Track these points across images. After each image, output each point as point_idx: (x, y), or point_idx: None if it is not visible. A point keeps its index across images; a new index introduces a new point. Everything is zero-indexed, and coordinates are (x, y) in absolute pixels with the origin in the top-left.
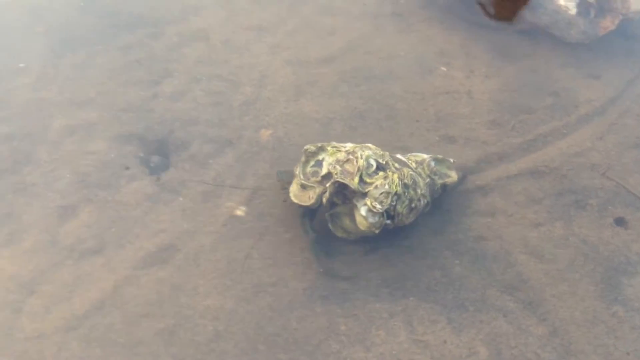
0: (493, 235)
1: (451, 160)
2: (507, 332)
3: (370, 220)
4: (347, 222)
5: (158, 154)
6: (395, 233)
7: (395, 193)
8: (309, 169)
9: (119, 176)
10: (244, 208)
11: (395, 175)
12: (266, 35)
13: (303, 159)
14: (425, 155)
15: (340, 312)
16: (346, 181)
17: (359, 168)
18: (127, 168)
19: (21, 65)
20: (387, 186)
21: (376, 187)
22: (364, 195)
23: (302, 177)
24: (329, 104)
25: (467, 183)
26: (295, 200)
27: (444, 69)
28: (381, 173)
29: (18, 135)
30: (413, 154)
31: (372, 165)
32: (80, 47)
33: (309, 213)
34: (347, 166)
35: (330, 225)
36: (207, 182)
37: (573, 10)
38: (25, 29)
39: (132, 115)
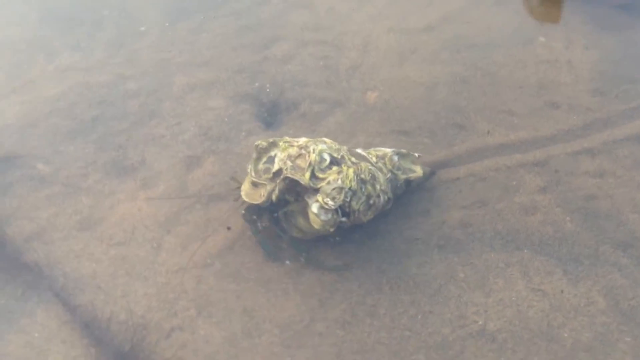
0: (603, 194)
1: (416, 154)
2: (624, 284)
3: (323, 217)
4: (301, 220)
5: (271, 112)
6: (506, 189)
7: (350, 189)
8: (260, 166)
9: (238, 130)
10: None
11: (351, 170)
12: (367, 4)
13: (255, 155)
14: (388, 150)
15: (457, 260)
16: (296, 177)
17: (310, 163)
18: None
19: (142, 28)
20: (340, 181)
21: (329, 182)
22: (316, 191)
23: (253, 174)
24: (432, 69)
25: (575, 145)
26: (246, 199)
27: (542, 39)
28: (335, 168)
29: (145, 91)
30: (375, 148)
31: (326, 160)
32: (193, 14)
33: (260, 211)
34: (299, 161)
35: (284, 224)
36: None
37: None
38: None
39: (245, 76)
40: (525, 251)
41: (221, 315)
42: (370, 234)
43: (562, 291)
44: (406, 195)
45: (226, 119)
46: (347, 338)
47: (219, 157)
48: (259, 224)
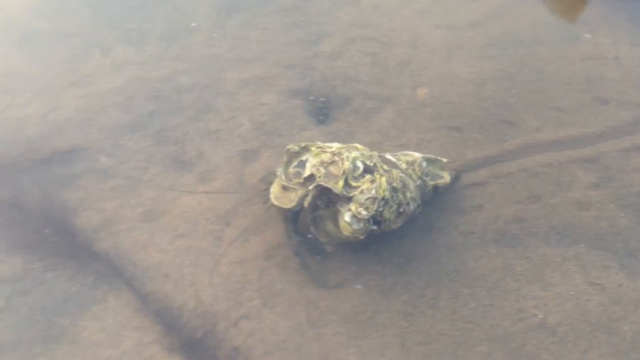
0: None
1: (444, 160)
2: None
3: (355, 226)
4: (330, 226)
5: (323, 108)
6: (559, 184)
7: (383, 198)
8: (291, 170)
9: (291, 125)
10: None
11: (384, 179)
12: (413, 1)
13: (285, 158)
14: (417, 155)
15: (514, 255)
16: (330, 185)
17: (344, 171)
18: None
19: (193, 24)
20: (373, 191)
21: (362, 191)
22: (349, 200)
23: (283, 178)
24: (480, 66)
25: (625, 142)
26: (275, 203)
27: (588, 35)
28: (368, 176)
29: (198, 86)
30: (404, 152)
31: (359, 168)
32: (242, 10)
33: (292, 215)
34: (332, 168)
35: (312, 229)
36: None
37: None
38: None
39: (296, 71)
40: (582, 246)
41: (286, 306)
42: (425, 228)
43: (620, 285)
44: (459, 190)
45: (279, 114)
46: (410, 329)
47: (275, 151)
48: (291, 230)
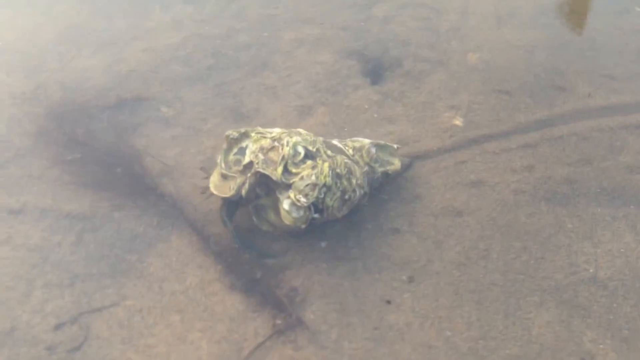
0: None
1: (394, 146)
2: None
3: (294, 214)
4: (272, 215)
5: (376, 69)
6: (610, 149)
7: (324, 185)
8: (231, 157)
9: (345, 85)
10: (461, 119)
11: (326, 165)
12: None
13: (225, 145)
14: (366, 141)
15: (565, 213)
16: (267, 172)
17: (283, 157)
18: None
19: None
20: (314, 177)
21: (302, 178)
22: (288, 187)
23: (223, 166)
24: (531, 33)
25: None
26: (215, 192)
27: (638, 9)
28: (309, 162)
29: (255, 44)
30: (352, 139)
31: (300, 154)
32: None
33: (231, 205)
34: (272, 154)
35: (254, 218)
36: None
37: None
38: None
39: (350, 33)
40: (632, 207)
41: (342, 253)
42: (475, 184)
43: None
44: (511, 151)
45: (334, 73)
46: (463, 278)
47: (329, 109)
48: (226, 219)
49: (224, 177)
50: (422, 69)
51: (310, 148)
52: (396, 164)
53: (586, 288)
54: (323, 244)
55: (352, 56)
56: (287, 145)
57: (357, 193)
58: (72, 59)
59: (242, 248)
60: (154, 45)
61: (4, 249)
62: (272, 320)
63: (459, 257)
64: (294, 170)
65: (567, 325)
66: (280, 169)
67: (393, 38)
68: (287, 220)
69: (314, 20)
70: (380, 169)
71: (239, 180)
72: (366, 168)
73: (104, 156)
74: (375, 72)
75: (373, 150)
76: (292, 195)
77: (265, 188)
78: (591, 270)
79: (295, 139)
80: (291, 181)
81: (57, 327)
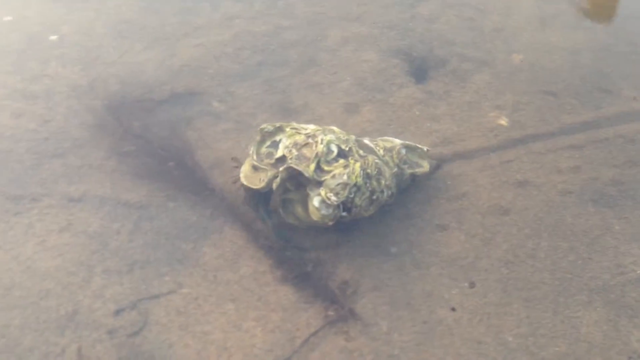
0: None
1: (424, 148)
2: None
3: (324, 212)
4: (299, 209)
5: (421, 67)
6: None
7: (355, 184)
8: (263, 149)
9: (391, 83)
10: (506, 119)
11: (357, 165)
12: None
13: (258, 137)
14: (397, 141)
15: (612, 215)
16: (301, 168)
17: (317, 154)
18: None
19: None
20: (345, 176)
21: (334, 176)
22: (319, 184)
23: (255, 157)
24: (574, 35)
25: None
26: (245, 182)
27: None
28: (342, 161)
29: (302, 42)
30: (383, 138)
31: (333, 152)
32: None
33: (262, 196)
34: (305, 150)
35: (281, 211)
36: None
37: None
38: None
39: (395, 32)
40: None
41: (391, 248)
42: (522, 184)
43: None
44: (557, 151)
45: (379, 72)
46: (512, 276)
47: (376, 106)
48: (263, 211)
49: (255, 168)
50: (466, 69)
51: (343, 147)
52: (425, 166)
53: (633, 288)
54: (373, 239)
55: (397, 55)
56: (321, 143)
57: (385, 194)
58: (125, 53)
59: (280, 240)
60: (205, 41)
61: (66, 235)
62: (324, 311)
63: (507, 255)
64: (326, 168)
65: (614, 325)
66: (312, 166)
67: (438, 37)
68: (315, 216)
69: (359, 19)
70: (409, 171)
71: (270, 173)
72: (395, 169)
73: (158, 148)
74: (419, 71)
75: (403, 151)
76: (322, 192)
77: (295, 183)
78: (638, 272)
79: (329, 137)
80: (323, 178)
81: (117, 312)
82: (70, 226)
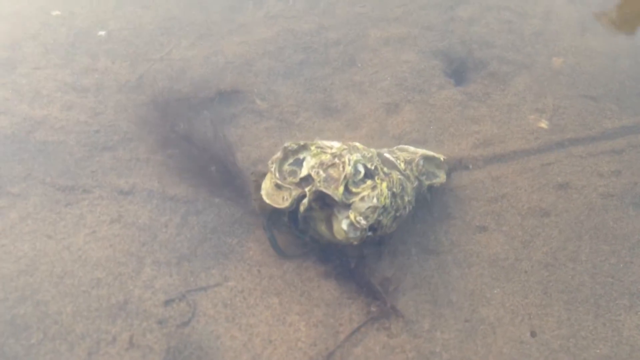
0: None
1: (441, 157)
2: None
3: (351, 235)
4: (322, 227)
5: (460, 69)
6: None
7: (383, 206)
8: (286, 167)
9: (430, 84)
10: (547, 122)
11: (384, 185)
12: None
13: (280, 154)
14: (413, 149)
15: None
16: (329, 191)
17: (345, 176)
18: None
19: None
20: (375, 199)
21: (362, 199)
22: (347, 206)
23: (277, 175)
24: (614, 41)
25: None
26: (267, 200)
27: None
28: (369, 182)
29: (344, 41)
30: (400, 147)
31: (360, 172)
32: None
33: (277, 213)
34: (332, 171)
35: (301, 225)
36: None
37: None
38: None
39: (434, 33)
40: None
41: (431, 247)
42: (564, 187)
43: None
44: (597, 155)
45: (419, 72)
46: (552, 278)
47: (415, 107)
48: (266, 225)
49: (278, 187)
50: (506, 71)
51: (369, 166)
52: (442, 177)
53: None
54: (414, 238)
55: (436, 56)
56: (349, 164)
57: (407, 209)
58: (170, 50)
59: (278, 254)
60: (248, 39)
61: (116, 226)
62: (367, 307)
63: (547, 257)
64: (354, 190)
65: None
66: (341, 189)
67: (477, 39)
68: (340, 236)
69: (399, 20)
70: (427, 182)
71: (295, 192)
72: (416, 183)
73: (203, 144)
74: (459, 73)
75: (422, 162)
76: (352, 216)
77: (320, 202)
78: None
79: (356, 157)
80: (351, 201)
81: (167, 302)
82: (120, 218)
